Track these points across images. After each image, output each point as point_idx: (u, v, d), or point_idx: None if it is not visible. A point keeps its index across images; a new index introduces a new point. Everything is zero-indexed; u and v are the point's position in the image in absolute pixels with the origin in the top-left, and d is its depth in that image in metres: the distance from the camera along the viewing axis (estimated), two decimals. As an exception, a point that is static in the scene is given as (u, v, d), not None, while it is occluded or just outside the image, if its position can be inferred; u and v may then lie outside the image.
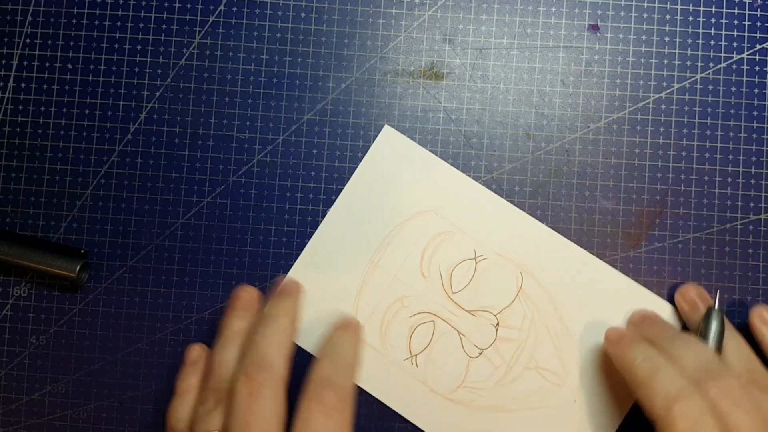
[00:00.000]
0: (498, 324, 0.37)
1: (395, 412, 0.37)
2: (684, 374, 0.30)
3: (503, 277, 0.37)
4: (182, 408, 0.33)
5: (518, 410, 0.36)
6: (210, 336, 0.38)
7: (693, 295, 0.36)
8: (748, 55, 0.38)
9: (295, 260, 0.38)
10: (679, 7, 0.38)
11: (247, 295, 0.35)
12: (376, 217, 0.37)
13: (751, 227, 0.37)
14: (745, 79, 0.38)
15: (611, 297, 0.36)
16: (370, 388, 0.37)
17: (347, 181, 0.38)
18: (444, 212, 0.37)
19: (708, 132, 0.38)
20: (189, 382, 0.34)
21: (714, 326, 0.34)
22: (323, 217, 0.38)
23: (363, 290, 0.37)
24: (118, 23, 0.39)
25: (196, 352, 0.35)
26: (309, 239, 0.38)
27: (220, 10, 0.38)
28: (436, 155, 0.38)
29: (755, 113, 0.37)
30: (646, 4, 0.38)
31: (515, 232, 0.37)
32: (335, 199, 0.38)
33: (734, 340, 0.34)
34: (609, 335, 0.35)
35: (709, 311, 0.34)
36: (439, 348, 0.37)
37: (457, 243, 0.37)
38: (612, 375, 0.36)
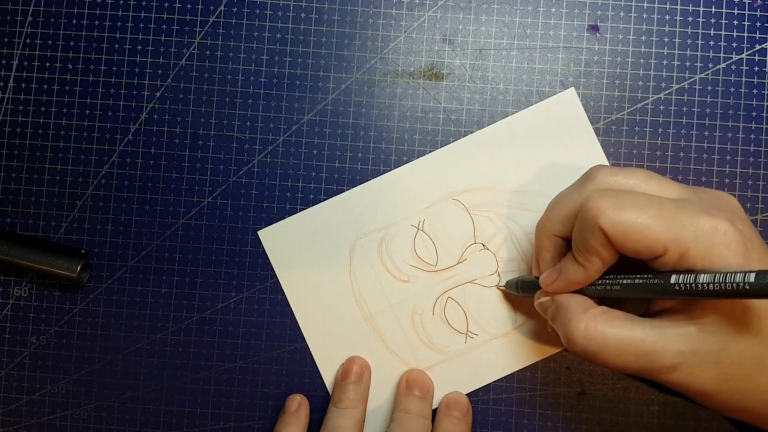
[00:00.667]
0: (484, 244, 0.37)
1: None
2: None
3: (449, 214, 0.38)
4: None
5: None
6: (210, 336, 0.38)
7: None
8: (748, 55, 0.38)
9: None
10: (678, 7, 0.38)
11: (358, 367, 0.37)
12: (330, 285, 0.38)
13: (750, 227, 0.37)
14: (744, 79, 0.38)
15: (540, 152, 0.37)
16: (460, 387, 0.37)
17: (346, 185, 0.38)
18: (360, 231, 0.38)
19: (708, 132, 0.38)
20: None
21: None
22: (323, 217, 0.38)
23: (384, 339, 0.37)
24: (118, 23, 0.38)
25: (296, 402, 0.37)
26: (309, 239, 0.38)
27: (220, 11, 0.38)
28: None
29: (755, 113, 0.38)
30: (645, 5, 0.38)
31: (417, 182, 0.38)
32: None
33: None
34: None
35: None
36: (474, 306, 0.37)
37: (394, 236, 0.38)
38: None
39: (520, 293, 0.35)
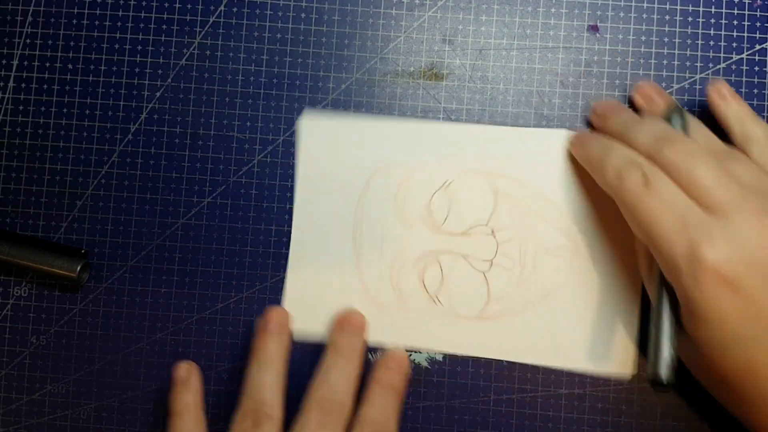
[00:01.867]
0: (493, 231, 0.37)
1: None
2: (639, 149, 0.30)
3: (477, 188, 0.37)
4: (186, 427, 0.34)
5: (546, 300, 0.37)
6: (210, 336, 0.38)
7: (650, 91, 0.36)
8: (748, 55, 0.38)
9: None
10: (678, 7, 0.38)
11: (278, 317, 0.36)
12: (338, 198, 0.38)
13: (750, 227, 0.37)
14: (744, 79, 0.38)
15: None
16: (397, 340, 0.37)
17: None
18: (394, 162, 0.38)
19: (708, 132, 0.38)
20: (185, 402, 0.35)
21: (676, 119, 0.33)
22: (323, 217, 0.38)
23: (360, 266, 0.37)
24: (118, 23, 0.39)
25: (184, 370, 0.36)
26: (309, 239, 0.38)
27: (220, 11, 0.38)
28: (436, 155, 0.38)
29: (755, 113, 0.38)
30: (645, 5, 0.38)
31: (466, 145, 0.38)
32: (335, 200, 0.38)
33: (700, 129, 0.34)
34: (570, 138, 0.35)
35: (670, 107, 0.33)
36: (453, 279, 0.37)
37: (419, 181, 0.38)
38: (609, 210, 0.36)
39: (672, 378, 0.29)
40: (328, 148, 0.38)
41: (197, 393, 0.36)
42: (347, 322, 0.36)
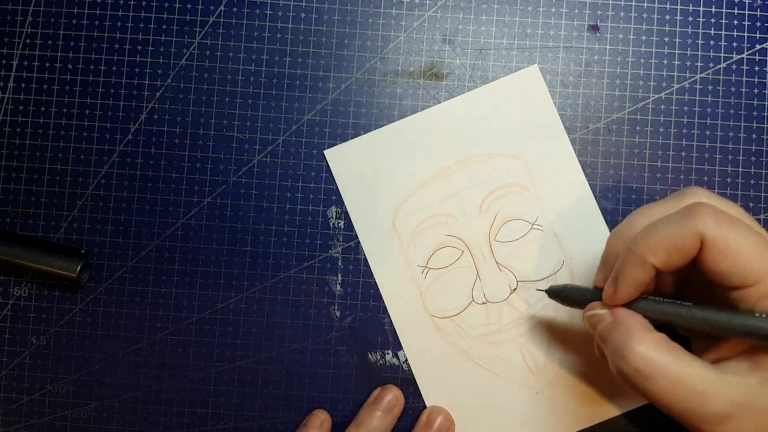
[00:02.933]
0: (515, 289, 0.37)
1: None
2: None
3: (547, 254, 0.37)
4: None
5: (485, 368, 0.37)
6: (210, 336, 0.38)
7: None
8: (748, 55, 0.38)
9: (294, 261, 0.38)
10: (679, 7, 0.38)
11: (392, 397, 0.37)
12: (464, 140, 0.38)
13: (750, 227, 0.37)
14: (744, 79, 0.38)
15: None
16: (378, 271, 0.38)
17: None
18: (530, 167, 0.37)
19: (708, 132, 0.38)
20: None
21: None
22: (323, 217, 0.38)
23: (419, 189, 0.37)
24: (118, 23, 0.38)
25: (319, 420, 0.37)
26: (309, 239, 0.38)
27: (220, 10, 0.38)
28: (436, 155, 0.38)
29: (755, 113, 0.37)
30: (646, 5, 0.38)
31: (580, 223, 0.37)
32: (335, 199, 0.38)
33: None
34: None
35: None
36: (452, 276, 0.37)
37: (525, 201, 0.37)
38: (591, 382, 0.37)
39: (561, 301, 0.34)
40: (362, 168, 0.38)
41: None
42: (379, 401, 0.36)
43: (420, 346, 0.37)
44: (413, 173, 0.38)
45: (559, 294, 0.34)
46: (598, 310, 0.30)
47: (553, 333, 0.37)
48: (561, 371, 0.37)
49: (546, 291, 0.34)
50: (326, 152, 0.38)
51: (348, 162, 0.38)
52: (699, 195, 0.29)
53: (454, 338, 0.37)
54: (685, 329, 0.30)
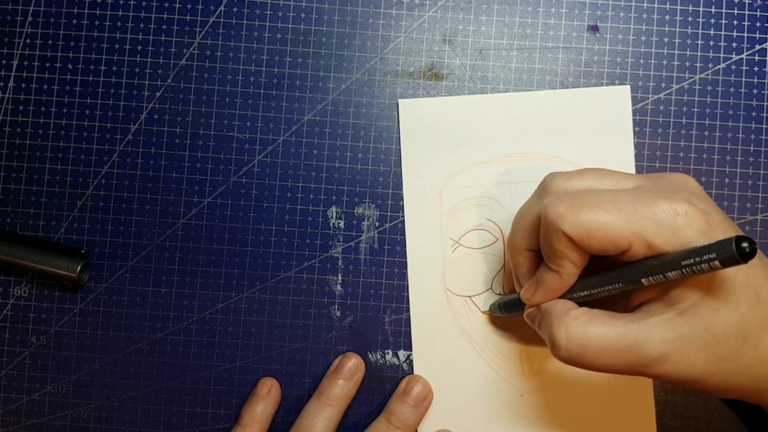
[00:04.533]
0: None
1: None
2: None
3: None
4: None
5: (481, 357, 0.37)
6: (210, 336, 0.38)
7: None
8: (747, 55, 0.38)
9: (294, 261, 0.38)
10: (678, 7, 0.38)
11: (352, 364, 0.37)
12: (535, 135, 0.37)
13: (747, 227, 0.37)
14: (744, 79, 0.38)
15: None
16: (410, 231, 0.38)
17: (346, 185, 0.38)
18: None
19: (707, 132, 0.38)
20: (253, 413, 0.36)
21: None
22: (323, 217, 0.38)
23: (475, 167, 0.37)
24: (118, 23, 0.38)
25: (266, 387, 0.37)
26: (309, 239, 0.38)
27: (220, 11, 0.38)
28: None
29: (755, 113, 0.38)
30: (645, 5, 0.38)
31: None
32: (335, 199, 0.38)
33: None
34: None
35: None
36: (479, 259, 0.37)
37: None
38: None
39: (504, 313, 0.35)
40: (423, 126, 0.38)
41: (269, 407, 0.37)
42: (340, 369, 0.37)
43: (427, 314, 0.37)
44: (475, 150, 0.37)
45: (497, 308, 0.36)
46: (529, 309, 0.32)
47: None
48: (552, 383, 0.37)
49: (489, 311, 0.37)
50: (400, 101, 0.38)
51: (418, 118, 0.38)
52: (553, 178, 0.30)
53: (462, 318, 0.37)
54: (605, 298, 0.31)
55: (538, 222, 0.30)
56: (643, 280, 0.27)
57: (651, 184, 0.29)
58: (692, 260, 0.25)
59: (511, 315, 0.35)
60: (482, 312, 0.37)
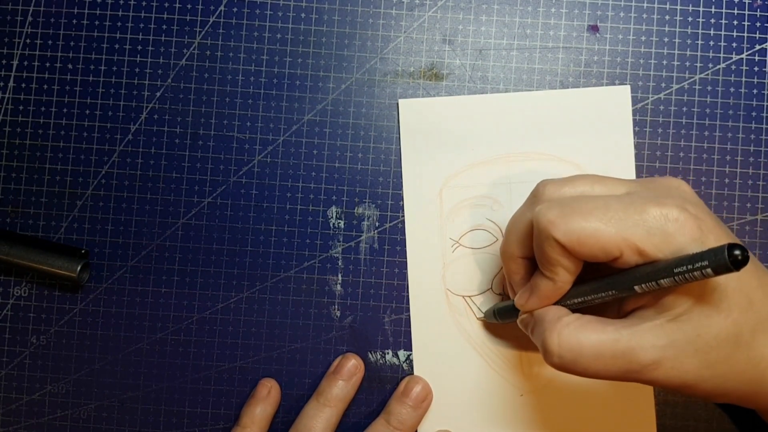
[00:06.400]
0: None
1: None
2: None
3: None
4: None
5: (481, 356, 0.37)
6: (210, 336, 0.38)
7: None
8: (747, 55, 0.38)
9: (294, 261, 0.38)
10: (678, 7, 0.38)
11: (351, 365, 0.37)
12: (534, 134, 0.37)
13: (747, 227, 0.37)
14: (744, 79, 0.38)
15: None
16: (410, 231, 0.38)
17: (346, 185, 0.38)
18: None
19: (707, 132, 0.38)
20: (252, 415, 0.36)
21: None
22: (323, 216, 0.38)
23: (475, 167, 0.37)
24: (118, 23, 0.38)
25: (265, 389, 0.37)
26: (309, 239, 0.38)
27: (220, 11, 0.38)
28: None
29: (754, 113, 0.38)
30: (645, 5, 0.38)
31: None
32: (335, 199, 0.38)
33: None
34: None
35: None
36: (479, 259, 0.37)
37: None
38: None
39: (499, 320, 0.35)
40: (423, 126, 0.38)
41: (268, 408, 0.37)
42: (339, 370, 0.37)
43: (427, 314, 0.37)
44: (475, 150, 0.37)
45: (491, 315, 0.36)
46: (523, 315, 0.32)
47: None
48: (552, 383, 0.37)
49: (484, 317, 0.37)
50: (400, 101, 0.38)
51: (418, 118, 0.38)
52: (545, 185, 0.30)
53: (462, 317, 0.37)
54: (599, 305, 0.31)
55: (531, 229, 0.29)
56: (635, 288, 0.27)
57: (643, 190, 0.29)
58: (684, 268, 0.25)
59: (505, 322, 0.35)
60: (477, 319, 0.37)
